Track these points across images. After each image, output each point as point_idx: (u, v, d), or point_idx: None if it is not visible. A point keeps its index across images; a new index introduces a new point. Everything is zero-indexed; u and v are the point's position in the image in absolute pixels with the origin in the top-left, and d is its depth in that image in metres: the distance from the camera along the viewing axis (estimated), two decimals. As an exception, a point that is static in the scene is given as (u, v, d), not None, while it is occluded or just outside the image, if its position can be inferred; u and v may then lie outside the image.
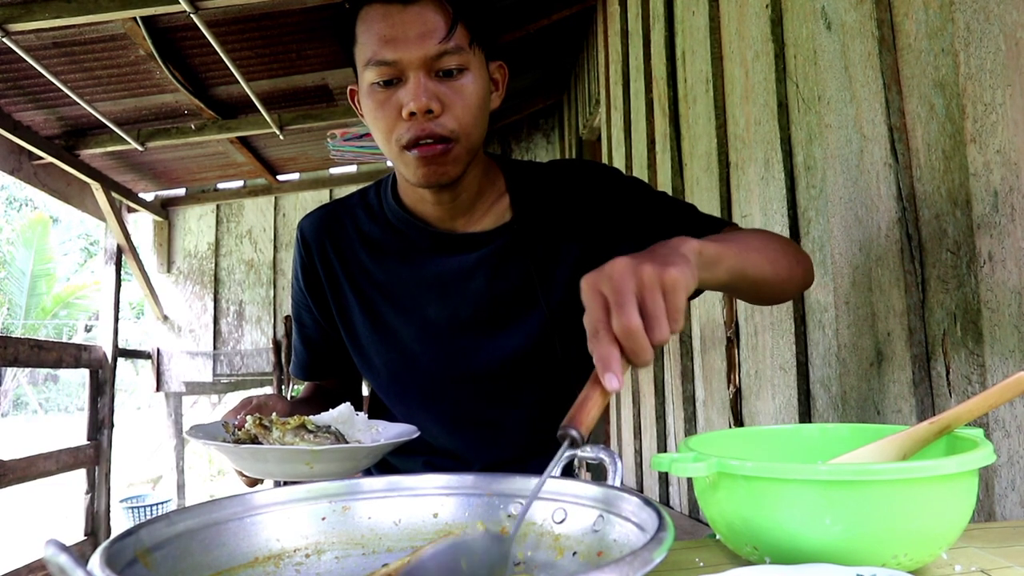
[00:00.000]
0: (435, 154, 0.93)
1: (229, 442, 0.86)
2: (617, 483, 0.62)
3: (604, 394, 0.60)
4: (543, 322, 1.07)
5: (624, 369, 0.61)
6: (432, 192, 1.01)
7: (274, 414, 0.88)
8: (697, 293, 0.99)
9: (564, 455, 0.58)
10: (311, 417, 0.89)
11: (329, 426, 0.87)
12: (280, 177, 5.42)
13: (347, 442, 0.88)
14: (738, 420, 1.88)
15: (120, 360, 4.67)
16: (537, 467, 0.76)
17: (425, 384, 1.09)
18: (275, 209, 5.58)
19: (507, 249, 1.06)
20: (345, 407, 0.92)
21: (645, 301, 0.61)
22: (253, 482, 0.92)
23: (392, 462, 1.16)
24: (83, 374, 4.31)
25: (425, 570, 0.50)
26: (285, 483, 0.70)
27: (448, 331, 1.07)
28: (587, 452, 0.68)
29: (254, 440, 0.85)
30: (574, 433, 0.58)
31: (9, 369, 14.37)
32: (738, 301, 1.91)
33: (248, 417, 0.85)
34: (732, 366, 1.92)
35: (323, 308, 1.14)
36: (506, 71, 1.04)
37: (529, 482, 0.65)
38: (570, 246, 1.06)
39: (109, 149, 4.08)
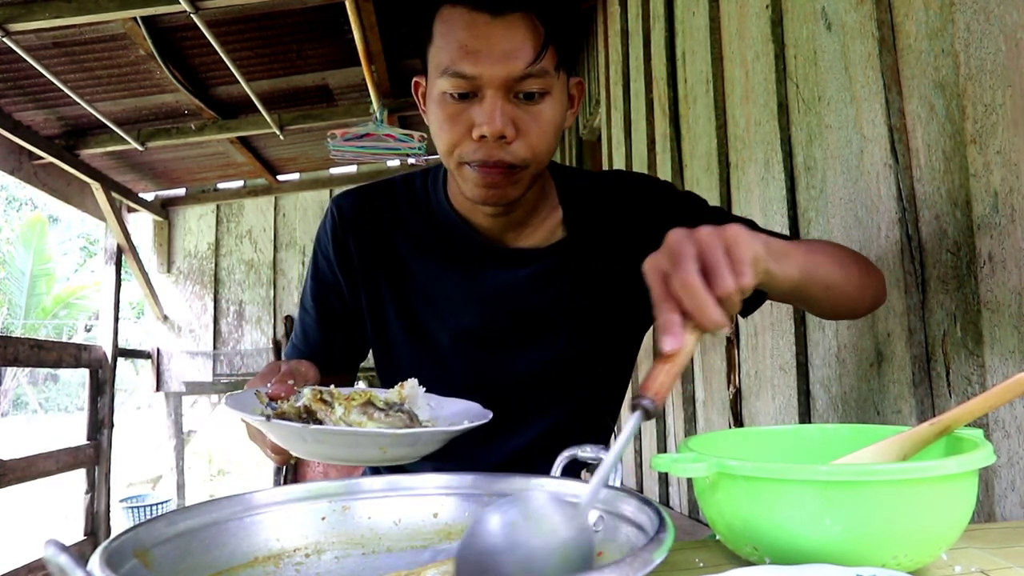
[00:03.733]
0: (498, 179, 0.88)
1: (268, 414, 0.75)
2: (617, 483, 0.62)
3: (669, 360, 0.58)
4: (581, 337, 1.04)
5: (689, 331, 0.60)
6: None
7: (333, 387, 0.77)
8: (761, 299, 0.95)
9: (636, 425, 0.55)
10: (377, 391, 0.78)
11: (400, 404, 0.77)
12: (280, 177, 5.43)
13: (419, 422, 0.77)
14: (738, 420, 1.88)
15: (120, 360, 4.68)
16: (543, 467, 0.75)
17: (452, 389, 1.06)
18: (275, 209, 5.59)
19: (556, 268, 1.02)
20: (414, 381, 0.81)
21: (705, 256, 0.60)
22: (285, 459, 0.84)
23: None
24: (83, 374, 4.31)
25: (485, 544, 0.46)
26: (292, 480, 0.67)
27: (483, 340, 1.04)
28: (587, 452, 0.68)
29: (301, 416, 0.74)
30: (646, 403, 0.56)
31: (9, 369, 14.38)
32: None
33: (306, 390, 0.75)
34: (732, 366, 1.92)
35: (353, 292, 1.07)
36: (583, 88, 0.98)
37: (529, 482, 0.65)
38: (621, 264, 1.01)
39: (109, 149, 4.08)
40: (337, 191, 5.52)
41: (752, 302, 0.99)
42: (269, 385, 0.80)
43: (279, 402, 0.76)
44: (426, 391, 0.88)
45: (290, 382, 0.80)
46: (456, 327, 1.04)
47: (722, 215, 1.04)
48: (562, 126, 0.93)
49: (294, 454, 0.77)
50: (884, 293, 0.97)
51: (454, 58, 0.84)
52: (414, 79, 0.98)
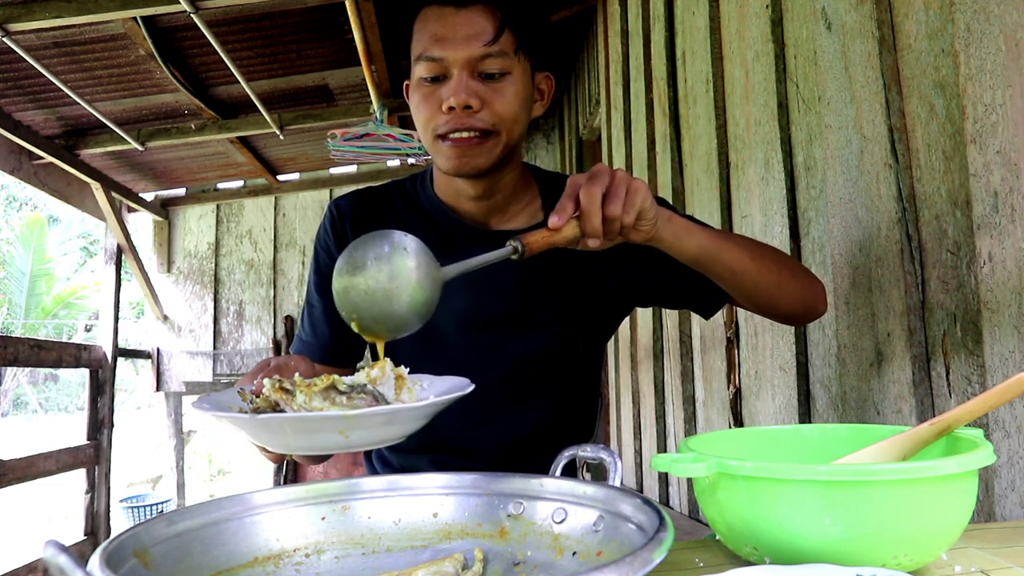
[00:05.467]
0: (469, 144, 0.97)
1: (245, 412, 0.70)
2: (617, 483, 0.62)
3: (552, 232, 0.79)
4: (568, 324, 1.10)
5: (573, 224, 0.80)
6: (469, 186, 1.05)
7: (297, 375, 0.75)
8: (722, 299, 1.08)
9: (499, 255, 0.79)
10: (342, 377, 0.73)
11: (364, 385, 0.72)
12: (280, 177, 5.42)
13: (387, 403, 0.71)
14: (738, 420, 1.88)
15: (120, 360, 4.68)
16: (540, 465, 0.76)
17: (447, 374, 1.09)
18: (275, 209, 5.58)
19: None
20: (384, 362, 0.76)
21: (611, 187, 0.80)
22: (279, 457, 0.85)
23: (396, 461, 1.16)
24: (83, 374, 4.31)
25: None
26: (292, 480, 0.66)
27: (476, 324, 1.09)
28: (587, 452, 0.68)
29: (275, 408, 0.70)
30: (516, 243, 0.78)
31: (9, 369, 14.37)
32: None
33: (265, 381, 0.72)
34: (732, 366, 1.92)
35: None
36: (553, 82, 1.09)
37: (529, 481, 0.65)
38: (597, 252, 1.09)
39: (109, 149, 4.08)
40: (337, 191, 5.55)
41: (712, 302, 1.11)
42: (254, 383, 0.78)
43: (259, 398, 0.73)
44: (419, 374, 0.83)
45: (276, 377, 0.80)
46: (447, 310, 1.08)
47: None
48: (528, 110, 1.03)
49: (270, 448, 0.73)
50: (820, 301, 1.06)
51: (426, 46, 0.97)
52: (405, 83, 1.08)
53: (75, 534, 4.31)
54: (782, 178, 1.58)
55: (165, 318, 5.52)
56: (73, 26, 2.85)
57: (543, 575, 0.59)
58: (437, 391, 0.79)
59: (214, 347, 5.48)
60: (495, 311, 1.09)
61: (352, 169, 5.52)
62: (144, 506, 5.81)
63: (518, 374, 1.10)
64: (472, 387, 0.77)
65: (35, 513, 7.30)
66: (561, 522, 0.61)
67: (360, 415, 0.63)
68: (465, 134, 0.97)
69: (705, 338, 2.16)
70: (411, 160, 3.93)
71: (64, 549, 0.37)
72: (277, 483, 4.65)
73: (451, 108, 0.95)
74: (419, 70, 0.98)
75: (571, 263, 1.09)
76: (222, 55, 3.12)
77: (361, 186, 1.21)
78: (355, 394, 0.69)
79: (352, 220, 1.13)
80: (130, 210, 5.11)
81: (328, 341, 1.16)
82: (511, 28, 0.97)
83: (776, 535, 0.56)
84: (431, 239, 1.10)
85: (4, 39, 2.77)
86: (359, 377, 0.74)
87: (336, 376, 0.71)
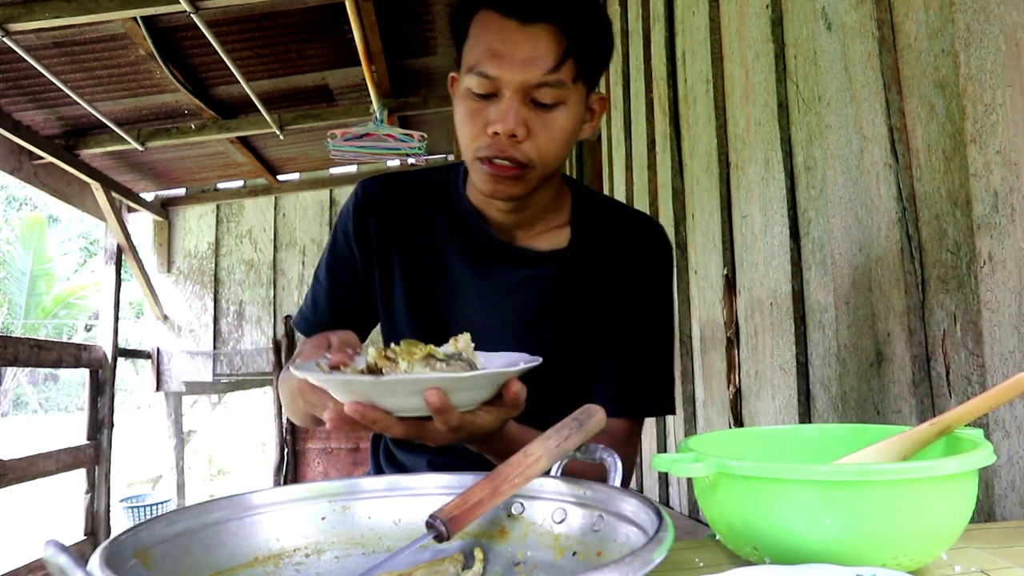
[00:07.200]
0: (507, 175, 0.94)
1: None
2: (617, 483, 0.62)
3: (495, 496, 0.59)
4: (568, 347, 1.08)
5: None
6: (500, 201, 1.02)
7: (393, 344, 0.78)
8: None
9: (418, 545, 0.58)
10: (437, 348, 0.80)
11: (460, 353, 0.78)
12: (280, 177, 5.43)
13: (477, 368, 0.78)
14: (738, 420, 1.88)
15: (120, 360, 4.68)
16: None
17: None
18: (275, 209, 5.59)
19: (554, 276, 1.07)
20: (467, 335, 0.82)
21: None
22: (316, 420, 0.84)
23: (399, 458, 1.16)
24: (83, 374, 4.31)
25: None
26: (292, 480, 0.66)
27: (478, 333, 1.08)
28: (587, 452, 0.68)
29: (370, 371, 0.76)
30: (442, 527, 0.56)
31: (9, 369, 14.37)
32: (737, 301, 1.91)
33: (371, 348, 0.77)
34: (732, 366, 1.92)
35: (367, 266, 1.13)
36: (606, 103, 1.04)
37: (529, 482, 0.65)
38: (607, 289, 1.08)
39: (109, 149, 4.08)
40: (337, 191, 5.55)
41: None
42: (327, 356, 0.81)
43: (342, 369, 0.77)
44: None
45: (348, 351, 0.82)
46: (456, 314, 1.09)
47: (655, 329, 1.09)
48: (576, 136, 0.98)
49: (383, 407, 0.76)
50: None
51: (480, 58, 0.91)
52: (451, 75, 1.04)
53: (75, 534, 4.31)
54: (782, 178, 1.58)
55: (165, 318, 5.52)
56: (73, 26, 2.86)
57: (543, 575, 0.59)
58: (495, 364, 0.83)
59: (214, 347, 5.48)
60: (495, 327, 1.07)
61: (352, 169, 5.53)
62: (144, 506, 5.82)
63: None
64: (540, 360, 0.80)
65: (35, 513, 7.30)
66: (561, 522, 0.62)
67: (472, 377, 0.70)
68: (505, 162, 0.93)
69: (705, 338, 2.16)
70: (411, 160, 3.93)
71: (64, 549, 0.37)
72: (277, 483, 4.65)
73: (496, 133, 0.91)
74: (469, 81, 0.93)
75: (590, 300, 1.08)
76: (222, 55, 3.12)
77: None
78: (453, 361, 0.75)
79: (374, 205, 1.11)
80: (130, 210, 5.12)
81: (327, 319, 1.14)
82: (574, 56, 0.91)
83: (776, 535, 0.56)
84: (451, 241, 1.10)
85: (4, 39, 2.77)
86: (448, 348, 0.79)
87: (432, 347, 0.77)
